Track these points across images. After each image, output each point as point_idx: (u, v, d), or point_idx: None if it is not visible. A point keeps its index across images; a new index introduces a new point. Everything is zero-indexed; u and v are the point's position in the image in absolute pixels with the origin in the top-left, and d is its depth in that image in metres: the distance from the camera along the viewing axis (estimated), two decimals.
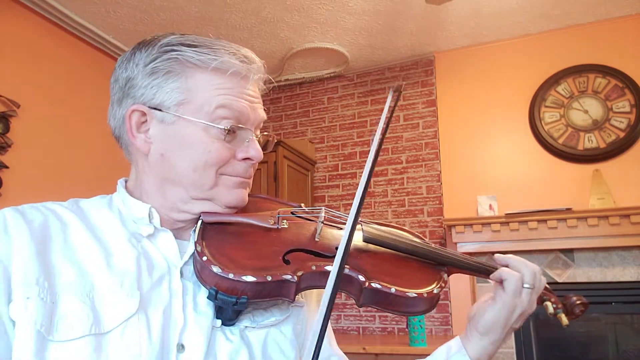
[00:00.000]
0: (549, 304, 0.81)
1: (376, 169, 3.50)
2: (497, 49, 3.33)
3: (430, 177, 3.34)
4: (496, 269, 0.78)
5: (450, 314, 3.11)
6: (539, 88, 3.15)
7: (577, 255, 2.88)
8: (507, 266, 0.78)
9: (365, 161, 3.30)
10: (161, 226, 0.71)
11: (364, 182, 0.56)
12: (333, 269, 0.49)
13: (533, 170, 3.08)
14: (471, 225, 3.02)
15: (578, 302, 0.82)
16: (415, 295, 0.70)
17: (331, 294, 0.46)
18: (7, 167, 2.51)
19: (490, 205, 3.06)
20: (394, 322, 3.24)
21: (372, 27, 3.14)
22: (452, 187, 3.27)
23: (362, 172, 3.46)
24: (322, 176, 3.68)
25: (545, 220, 2.84)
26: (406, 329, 3.11)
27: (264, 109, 0.79)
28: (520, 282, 0.74)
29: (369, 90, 3.66)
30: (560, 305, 0.82)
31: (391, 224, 0.87)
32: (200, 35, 0.75)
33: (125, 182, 0.78)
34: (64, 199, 0.73)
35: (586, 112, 3.03)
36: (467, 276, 3.06)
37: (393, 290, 0.69)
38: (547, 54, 3.19)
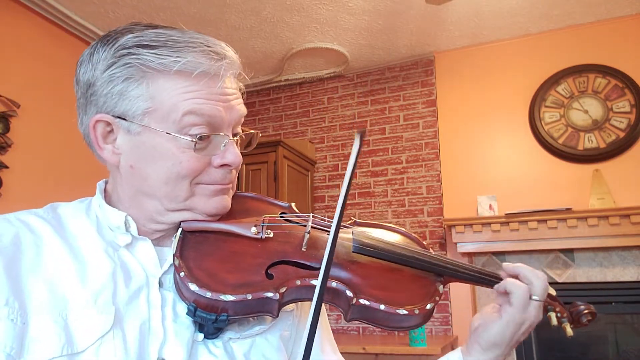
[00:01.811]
0: (552, 314, 0.76)
1: (376, 168, 3.50)
2: (497, 49, 3.33)
3: (430, 177, 3.34)
4: (498, 278, 0.74)
5: (450, 314, 3.11)
6: (539, 88, 3.15)
7: (577, 255, 2.88)
8: (516, 276, 0.72)
9: (365, 161, 3.30)
10: (139, 234, 0.68)
11: (340, 208, 0.53)
12: (315, 292, 0.46)
13: (533, 170, 3.08)
14: (471, 225, 3.02)
15: (586, 311, 0.76)
16: (406, 312, 0.66)
17: (313, 315, 0.43)
18: (7, 167, 2.51)
19: (490, 205, 3.06)
20: None
21: (372, 27, 3.14)
22: (452, 187, 3.27)
23: (362, 172, 3.46)
24: (322, 176, 3.68)
25: (545, 220, 2.84)
26: (406, 330, 3.11)
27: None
28: (527, 294, 0.69)
29: (369, 90, 3.66)
30: (565, 315, 0.76)
31: (388, 225, 0.83)
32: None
33: (106, 183, 0.74)
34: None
35: (586, 112, 3.03)
36: None
37: (382, 307, 0.65)
38: (547, 54, 3.19)
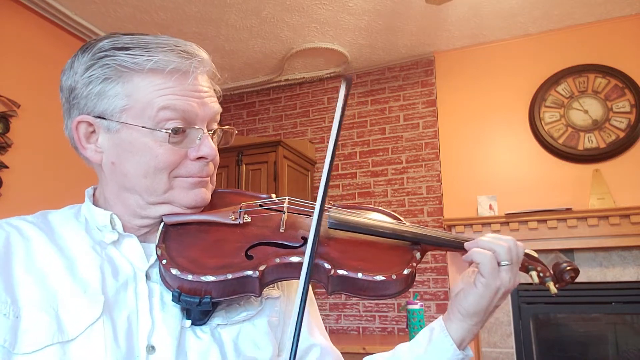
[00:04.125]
0: (533, 273, 0.76)
1: (376, 168, 3.50)
2: (497, 49, 3.33)
3: (430, 177, 3.34)
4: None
5: None
6: (539, 88, 3.15)
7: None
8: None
9: (365, 161, 3.29)
10: (125, 232, 0.71)
11: (325, 177, 0.56)
12: (304, 263, 0.47)
13: (533, 170, 3.08)
14: (471, 225, 3.02)
15: (568, 267, 0.77)
16: (384, 278, 0.68)
17: (304, 288, 0.45)
18: (7, 167, 2.51)
19: (490, 205, 3.06)
20: (393, 322, 3.24)
21: (372, 27, 3.14)
22: (452, 187, 3.27)
23: (362, 172, 3.45)
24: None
25: (545, 220, 2.85)
26: (406, 329, 3.11)
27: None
28: (494, 261, 0.70)
29: (369, 90, 3.66)
30: (548, 273, 0.78)
31: (362, 204, 0.84)
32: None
33: (94, 189, 0.79)
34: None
35: (586, 112, 3.03)
36: None
37: (360, 275, 0.67)
38: (547, 54, 3.19)
